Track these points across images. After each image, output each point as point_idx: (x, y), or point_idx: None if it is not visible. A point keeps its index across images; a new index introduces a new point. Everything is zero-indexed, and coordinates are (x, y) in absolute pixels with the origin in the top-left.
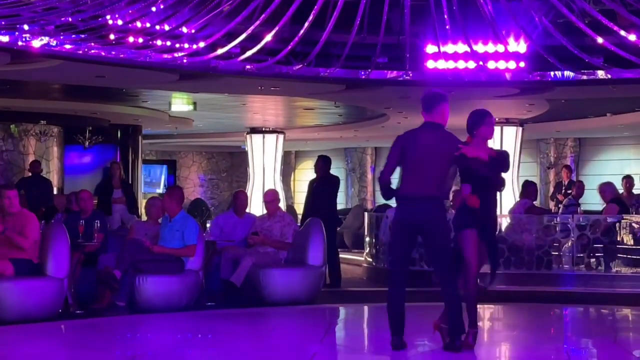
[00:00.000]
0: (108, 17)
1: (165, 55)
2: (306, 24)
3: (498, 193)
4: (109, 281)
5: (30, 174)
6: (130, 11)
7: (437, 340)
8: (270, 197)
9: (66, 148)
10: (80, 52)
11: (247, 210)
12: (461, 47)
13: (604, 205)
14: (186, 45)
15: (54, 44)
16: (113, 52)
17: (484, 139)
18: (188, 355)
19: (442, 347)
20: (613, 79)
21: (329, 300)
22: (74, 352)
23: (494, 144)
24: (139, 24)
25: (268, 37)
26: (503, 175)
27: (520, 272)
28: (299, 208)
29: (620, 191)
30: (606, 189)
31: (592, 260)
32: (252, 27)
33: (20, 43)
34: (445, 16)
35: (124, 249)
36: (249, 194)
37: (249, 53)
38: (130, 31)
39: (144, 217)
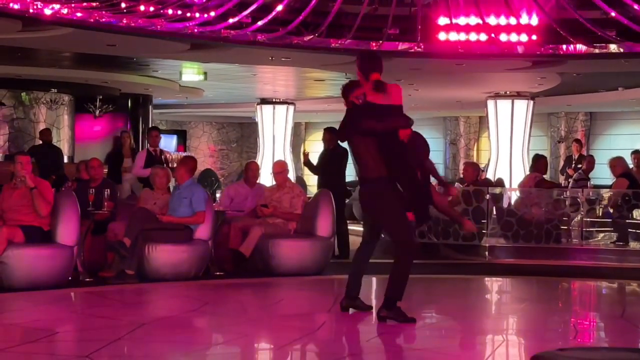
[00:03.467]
0: None
1: (176, 25)
2: None
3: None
4: (118, 249)
5: (40, 142)
6: None
7: (444, 312)
8: (278, 169)
9: (77, 116)
10: (92, 20)
11: (258, 181)
12: (473, 19)
13: (614, 180)
14: (197, 15)
15: (65, 12)
16: (124, 21)
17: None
18: (196, 324)
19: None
20: (625, 53)
21: (337, 271)
22: (82, 319)
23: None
24: None
25: (279, 7)
26: None
27: (529, 245)
28: (309, 180)
29: (630, 166)
30: (616, 164)
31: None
32: None
33: (31, 11)
34: None
35: (133, 217)
36: (258, 164)
37: (260, 23)
38: (141, 0)
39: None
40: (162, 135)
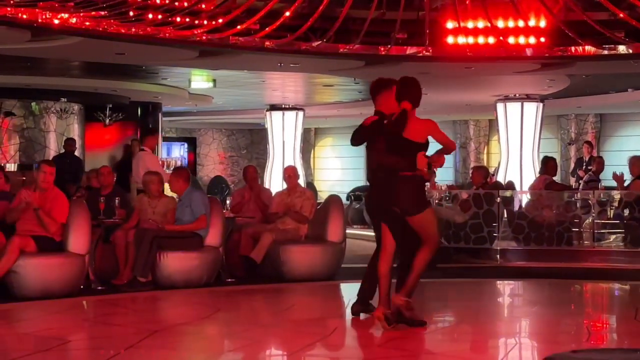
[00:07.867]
0: None
1: (185, 32)
2: (325, 0)
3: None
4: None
5: (64, 151)
6: None
7: (456, 315)
8: (289, 172)
9: (87, 125)
10: (100, 29)
11: (267, 187)
12: (481, 22)
13: (631, 180)
14: (205, 22)
15: (73, 21)
16: (133, 29)
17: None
18: (208, 331)
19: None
20: (634, 54)
21: (348, 277)
22: (95, 328)
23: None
24: (158, 1)
25: (287, 13)
26: None
27: (540, 248)
28: (319, 185)
29: None
30: (635, 163)
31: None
32: (271, 3)
33: (40, 20)
34: None
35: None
36: (268, 170)
37: (268, 29)
38: (149, 8)
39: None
40: (171, 143)
